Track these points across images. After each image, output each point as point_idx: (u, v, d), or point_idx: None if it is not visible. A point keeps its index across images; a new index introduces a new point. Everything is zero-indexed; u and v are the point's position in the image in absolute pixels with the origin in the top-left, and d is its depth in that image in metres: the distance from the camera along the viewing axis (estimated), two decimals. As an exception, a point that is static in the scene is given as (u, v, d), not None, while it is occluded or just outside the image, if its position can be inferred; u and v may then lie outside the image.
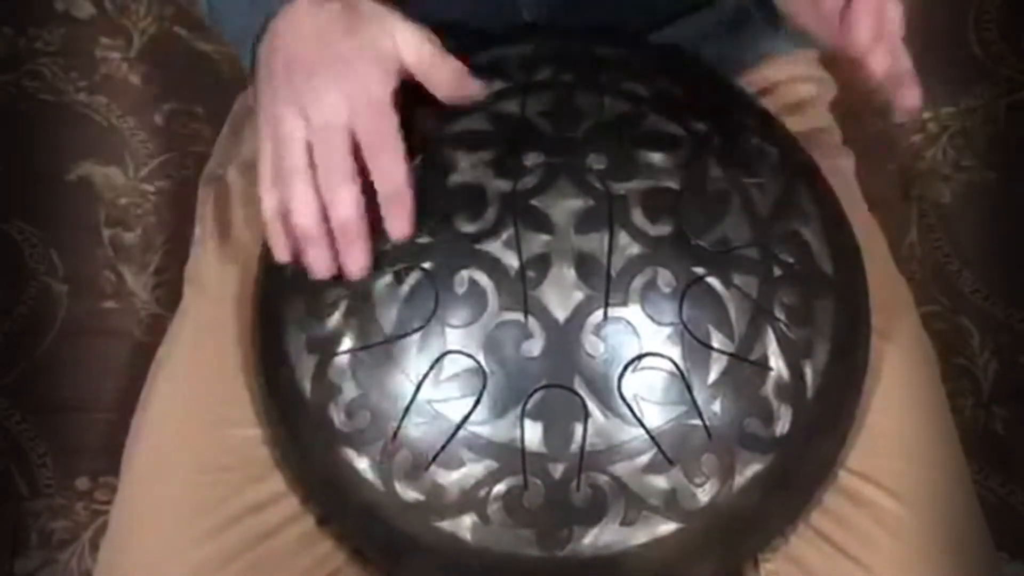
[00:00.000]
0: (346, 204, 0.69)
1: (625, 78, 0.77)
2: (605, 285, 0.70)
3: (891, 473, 0.76)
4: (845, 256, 0.77)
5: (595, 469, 0.69)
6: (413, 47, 0.72)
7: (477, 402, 0.70)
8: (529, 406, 0.69)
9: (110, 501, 0.85)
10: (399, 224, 0.70)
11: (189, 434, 0.78)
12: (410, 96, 0.73)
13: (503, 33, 0.81)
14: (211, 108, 1.18)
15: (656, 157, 0.74)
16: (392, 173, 0.70)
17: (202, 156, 1.03)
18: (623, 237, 0.71)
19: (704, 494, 0.70)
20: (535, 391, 0.70)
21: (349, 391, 0.72)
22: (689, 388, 0.70)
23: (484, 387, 0.70)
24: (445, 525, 0.70)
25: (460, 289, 0.71)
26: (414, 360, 0.71)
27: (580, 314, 0.70)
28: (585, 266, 0.71)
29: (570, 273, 0.71)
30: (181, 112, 1.18)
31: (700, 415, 0.70)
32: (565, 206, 0.72)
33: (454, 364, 0.70)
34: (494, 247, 0.71)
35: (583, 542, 0.70)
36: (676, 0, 0.86)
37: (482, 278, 0.71)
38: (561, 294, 0.70)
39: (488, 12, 0.83)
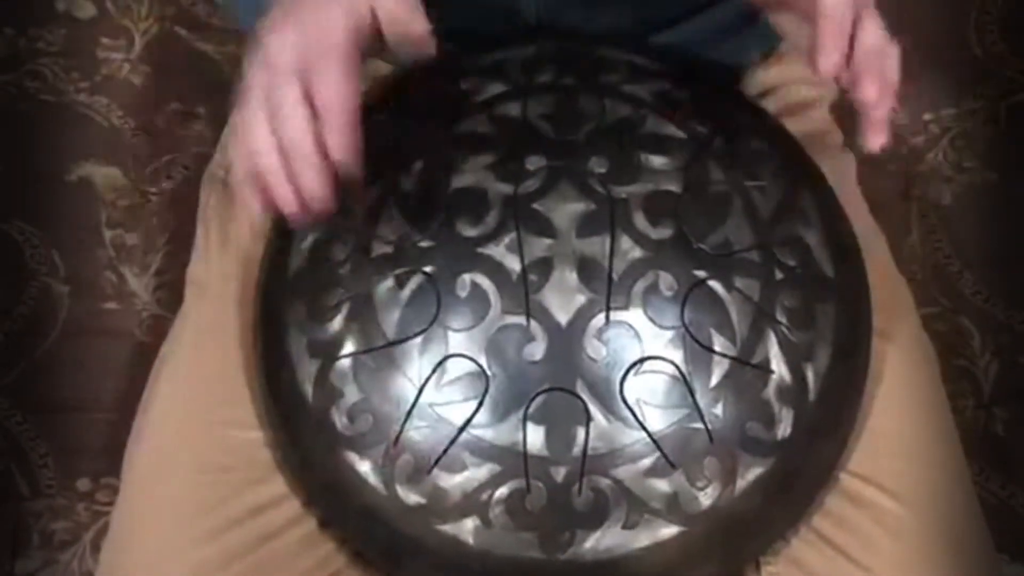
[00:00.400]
0: (292, 126, 0.68)
1: (626, 81, 0.77)
2: (607, 288, 0.70)
3: (892, 474, 0.76)
4: (846, 259, 0.77)
5: (597, 472, 0.69)
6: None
7: (479, 405, 0.70)
8: (531, 410, 0.69)
9: (111, 502, 0.86)
10: (338, 142, 0.68)
11: (190, 435, 0.78)
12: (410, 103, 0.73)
13: (504, 36, 0.81)
14: (212, 109, 1.18)
15: (657, 160, 0.74)
16: (334, 94, 0.67)
17: (203, 157, 1.03)
18: (625, 240, 0.71)
19: (706, 497, 0.70)
20: (537, 395, 0.70)
21: (351, 395, 0.72)
22: (691, 391, 0.70)
23: (486, 390, 0.70)
24: (447, 528, 0.70)
25: (462, 292, 0.71)
26: (416, 364, 0.71)
27: (582, 318, 0.70)
28: (587, 269, 0.71)
29: (572, 277, 0.71)
30: (182, 113, 1.19)
31: (702, 418, 0.70)
32: (567, 209, 0.72)
33: (456, 367, 0.70)
34: (496, 251, 0.71)
35: (585, 545, 0.70)
36: (677, 3, 0.86)
37: (484, 281, 0.71)
38: (563, 298, 0.70)
39: (489, 15, 0.83)
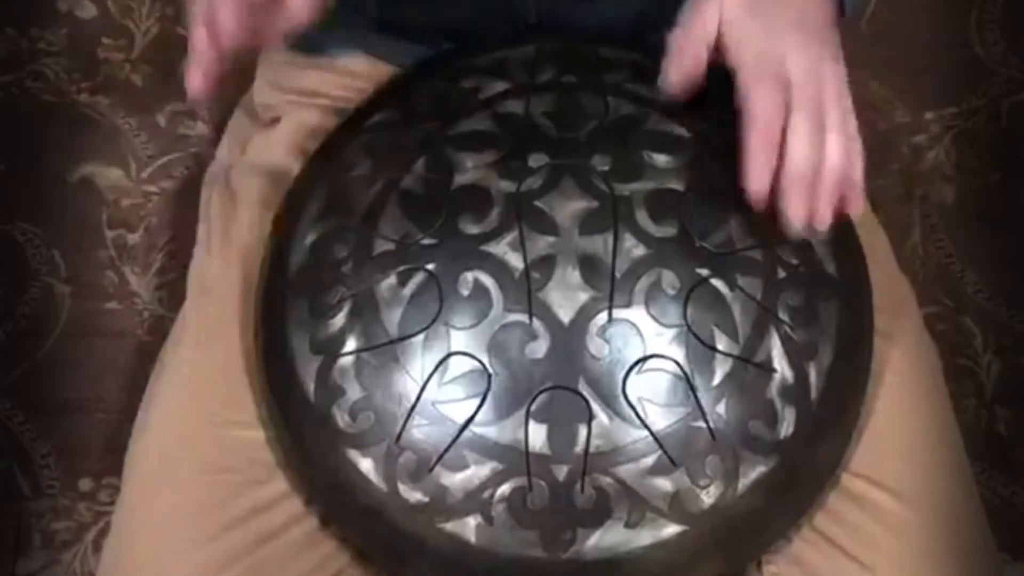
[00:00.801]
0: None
1: (629, 79, 0.77)
2: (609, 287, 0.70)
3: (894, 474, 0.76)
4: (848, 257, 0.77)
5: (599, 471, 0.69)
6: None
7: (481, 404, 0.70)
8: (533, 408, 0.69)
9: (113, 502, 0.85)
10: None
11: (192, 435, 0.78)
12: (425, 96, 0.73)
13: (506, 35, 0.81)
14: (214, 109, 1.18)
15: (660, 158, 0.74)
16: None
17: (205, 157, 1.04)
18: (628, 238, 0.71)
19: (708, 496, 0.70)
20: (539, 393, 0.70)
21: (353, 392, 0.72)
22: (693, 390, 0.70)
23: (488, 389, 0.70)
24: (449, 526, 0.70)
25: (465, 290, 0.71)
26: (418, 361, 0.71)
27: (585, 316, 0.70)
28: (589, 268, 0.71)
29: (575, 275, 0.71)
30: (184, 113, 1.18)
31: (704, 417, 0.70)
32: (569, 207, 0.72)
33: (458, 365, 0.70)
34: (499, 248, 0.71)
35: (587, 544, 0.70)
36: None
37: (487, 279, 0.71)
38: (566, 296, 0.70)
39: (489, 9, 0.83)
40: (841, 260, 0.76)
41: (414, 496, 0.70)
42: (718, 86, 0.82)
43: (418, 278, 0.72)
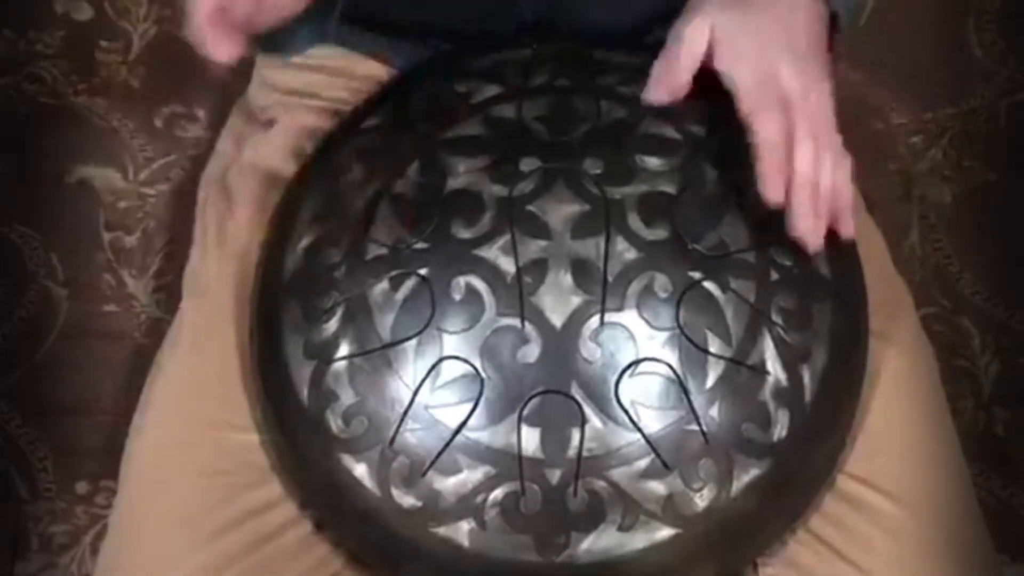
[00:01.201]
0: None
1: (621, 82, 0.77)
2: (602, 290, 0.70)
3: (890, 476, 0.76)
4: (843, 259, 0.76)
5: (592, 475, 0.69)
6: None
7: (474, 408, 0.70)
8: (526, 412, 0.69)
9: (110, 505, 0.85)
10: None
11: (187, 438, 0.78)
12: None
13: (500, 38, 0.81)
14: (211, 111, 1.18)
15: (652, 161, 0.74)
16: None
17: (201, 159, 1.03)
18: (620, 242, 0.71)
19: (702, 499, 0.70)
20: (532, 397, 0.69)
21: (346, 397, 0.72)
22: (686, 393, 0.70)
23: (481, 393, 0.70)
24: (442, 531, 0.70)
25: (457, 295, 0.71)
26: (411, 366, 0.71)
27: (577, 319, 0.70)
28: (582, 271, 0.71)
29: (567, 278, 0.71)
30: (181, 115, 1.18)
31: (697, 420, 0.70)
32: (562, 211, 0.72)
33: (451, 370, 0.70)
34: (491, 252, 0.71)
35: (580, 548, 0.70)
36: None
37: (479, 284, 0.71)
38: (558, 299, 0.70)
39: (487, 8, 0.82)
40: (835, 262, 0.75)
41: (407, 501, 0.70)
42: (713, 88, 0.83)
43: (410, 283, 0.72)
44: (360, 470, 0.71)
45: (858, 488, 0.76)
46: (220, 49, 0.68)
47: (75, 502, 1.03)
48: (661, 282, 0.71)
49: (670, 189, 0.73)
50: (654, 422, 0.70)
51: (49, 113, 1.19)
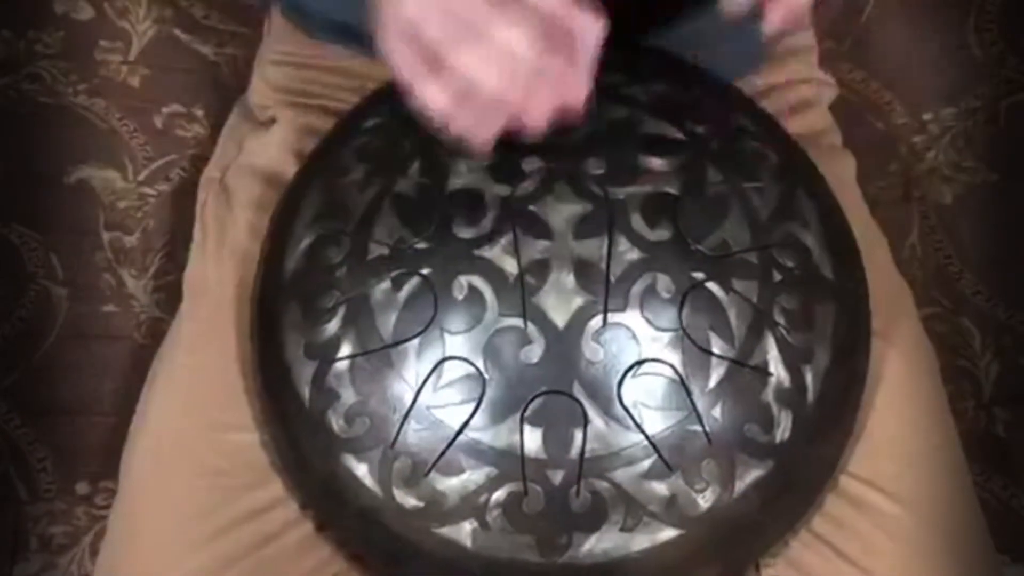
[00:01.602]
0: None
1: (623, 82, 0.76)
2: (604, 291, 0.70)
3: (891, 477, 0.76)
4: (845, 260, 0.76)
5: (595, 475, 0.69)
6: None
7: (476, 408, 0.70)
8: (528, 412, 0.69)
9: (110, 505, 0.85)
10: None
11: (188, 438, 0.78)
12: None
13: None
14: (211, 111, 1.17)
15: (655, 162, 0.74)
16: None
17: (201, 159, 1.03)
18: (622, 242, 0.71)
19: (704, 500, 0.70)
20: (534, 397, 0.69)
21: (348, 397, 0.72)
22: (689, 394, 0.70)
23: (483, 393, 0.70)
24: (445, 531, 0.70)
25: (459, 295, 0.71)
26: (413, 366, 0.71)
27: (579, 320, 0.70)
28: (584, 272, 0.71)
29: (569, 279, 0.71)
30: (180, 115, 1.18)
31: (700, 421, 0.70)
32: (564, 211, 0.72)
33: (453, 370, 0.70)
34: (493, 253, 0.71)
35: (583, 548, 0.70)
36: (674, 2, 0.86)
37: (481, 284, 0.71)
38: (560, 300, 0.70)
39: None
40: (838, 263, 0.75)
41: (409, 501, 0.70)
42: (716, 86, 0.83)
43: (412, 283, 0.72)
44: (362, 470, 0.71)
45: (860, 488, 0.76)
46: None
47: (75, 503, 1.03)
48: (664, 283, 0.71)
49: (673, 190, 0.73)
50: (657, 423, 0.70)
51: (49, 113, 1.19)
